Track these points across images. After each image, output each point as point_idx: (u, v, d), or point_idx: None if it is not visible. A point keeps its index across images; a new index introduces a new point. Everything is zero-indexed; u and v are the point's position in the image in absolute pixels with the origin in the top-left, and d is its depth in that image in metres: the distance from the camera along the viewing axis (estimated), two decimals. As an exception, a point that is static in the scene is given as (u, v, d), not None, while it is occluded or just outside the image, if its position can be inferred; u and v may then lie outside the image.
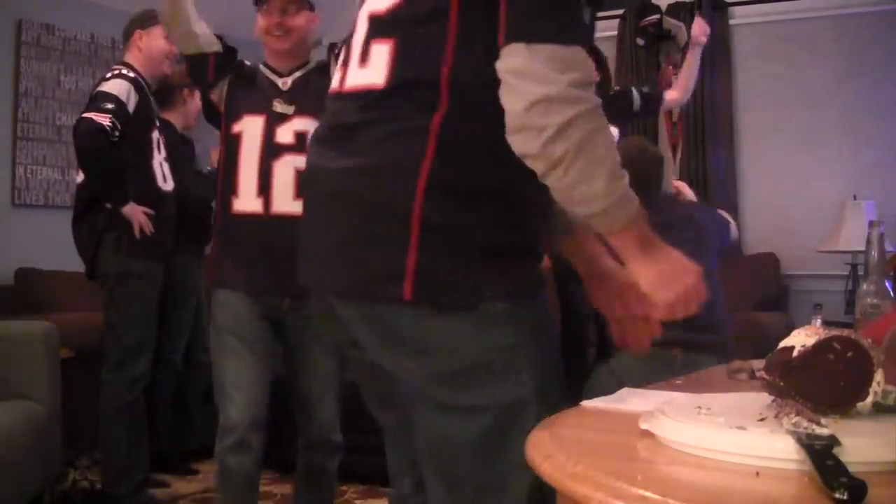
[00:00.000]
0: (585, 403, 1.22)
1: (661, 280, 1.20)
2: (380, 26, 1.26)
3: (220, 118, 2.53)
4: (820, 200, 4.78)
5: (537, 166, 1.15)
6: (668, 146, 5.24)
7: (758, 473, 0.83)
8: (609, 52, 5.27)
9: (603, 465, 0.87)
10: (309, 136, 2.06)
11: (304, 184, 1.36)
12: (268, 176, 2.41)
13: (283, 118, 2.44)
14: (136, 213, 3.20)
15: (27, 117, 4.64)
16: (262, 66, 2.54)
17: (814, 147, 4.90)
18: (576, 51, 1.14)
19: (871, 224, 1.68)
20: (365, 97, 1.24)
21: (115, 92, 3.18)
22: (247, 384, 2.43)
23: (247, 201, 2.43)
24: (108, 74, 3.28)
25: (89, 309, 3.78)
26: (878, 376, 0.98)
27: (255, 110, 2.46)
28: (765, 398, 1.06)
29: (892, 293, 1.62)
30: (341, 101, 1.29)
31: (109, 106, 3.14)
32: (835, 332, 1.00)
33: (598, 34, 5.02)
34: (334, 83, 1.34)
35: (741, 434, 0.89)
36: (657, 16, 5.22)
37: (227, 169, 2.47)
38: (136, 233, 3.20)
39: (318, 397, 2.54)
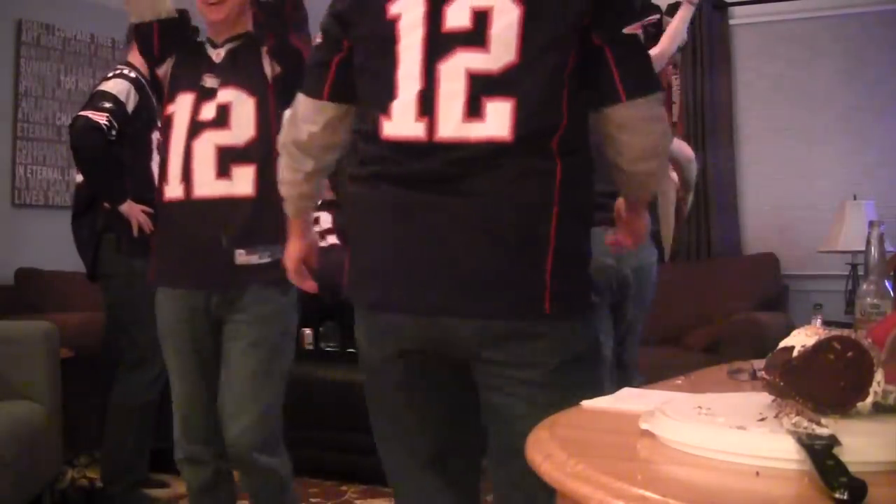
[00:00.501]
0: (585, 403, 1.22)
1: (638, 231, 1.72)
2: (492, 85, 1.40)
3: None
4: (820, 200, 4.79)
5: (650, 179, 1.59)
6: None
7: (758, 473, 0.83)
8: (609, 52, 5.28)
9: (603, 465, 0.87)
10: (232, 109, 2.23)
11: (403, 215, 1.46)
12: (188, 157, 2.21)
13: (211, 94, 2.24)
14: (134, 211, 3.20)
15: (27, 117, 4.64)
16: (206, 41, 2.37)
17: (814, 147, 4.90)
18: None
19: (871, 224, 1.68)
20: (487, 147, 1.40)
21: (114, 91, 3.18)
22: (180, 400, 2.29)
23: (173, 187, 2.24)
24: (110, 74, 3.29)
25: (89, 309, 3.79)
26: (878, 376, 0.98)
27: (187, 88, 2.26)
28: (765, 398, 1.06)
29: (892, 293, 1.62)
30: (439, 149, 1.42)
31: (107, 105, 3.14)
32: (835, 332, 1.00)
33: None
34: (412, 131, 1.43)
35: (741, 434, 0.89)
36: (657, 16, 5.22)
37: (161, 155, 2.32)
38: (135, 231, 3.19)
39: (233, 406, 2.23)
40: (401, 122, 1.45)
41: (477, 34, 1.41)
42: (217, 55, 2.30)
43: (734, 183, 5.06)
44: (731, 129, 5.08)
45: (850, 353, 0.97)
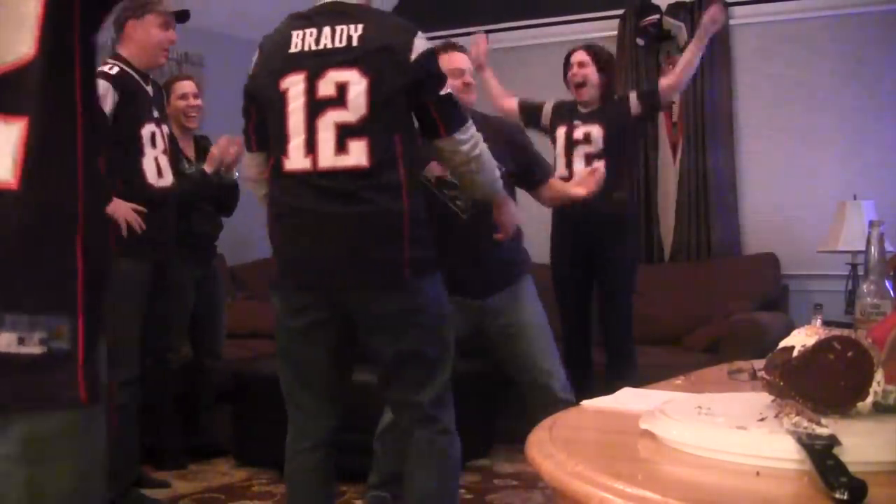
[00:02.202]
0: (585, 403, 1.22)
1: (505, 225, 2.67)
2: (351, 130, 2.13)
3: None
4: (820, 200, 4.78)
5: (475, 178, 2.38)
6: (668, 146, 5.25)
7: (758, 473, 0.83)
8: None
9: (603, 465, 0.87)
10: None
11: (313, 223, 2.18)
12: None
13: None
14: (120, 210, 3.13)
15: (27, 117, 4.63)
16: None
17: (814, 147, 4.90)
18: None
19: (871, 224, 1.68)
20: (353, 172, 2.14)
21: None
22: None
23: None
24: None
25: (89, 309, 3.78)
26: (878, 376, 0.98)
27: None
28: (765, 398, 1.06)
29: (892, 293, 1.62)
30: (321, 175, 2.15)
31: None
32: (835, 332, 1.00)
33: (598, 34, 5.05)
34: (298, 164, 2.17)
35: (741, 434, 0.89)
36: (657, 16, 5.23)
37: None
38: (124, 230, 3.12)
39: None
40: (295, 159, 2.17)
41: (340, 99, 2.12)
42: None
43: (734, 183, 5.06)
44: (731, 129, 5.07)
45: (850, 353, 0.97)
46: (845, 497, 0.73)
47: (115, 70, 3.19)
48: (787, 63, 4.97)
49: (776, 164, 4.99)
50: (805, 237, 4.77)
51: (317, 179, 2.15)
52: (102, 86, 3.12)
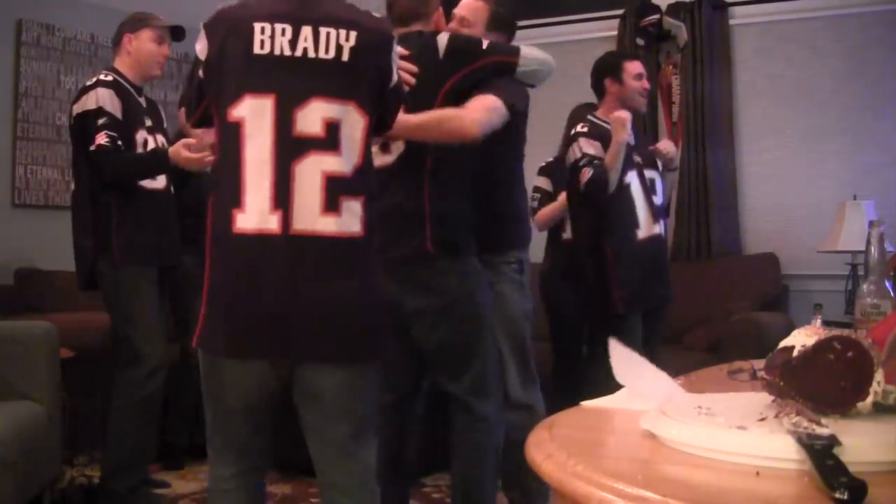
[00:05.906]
0: (585, 403, 1.22)
1: None
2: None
3: None
4: (820, 200, 4.78)
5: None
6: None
7: (758, 473, 0.83)
8: (609, 52, 5.27)
9: (603, 465, 0.87)
10: None
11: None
12: None
13: None
14: (181, 156, 3.17)
15: (27, 117, 4.64)
16: None
17: (814, 147, 4.90)
18: None
19: (871, 224, 1.68)
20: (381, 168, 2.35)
21: (100, 104, 3.20)
22: None
23: None
24: (88, 83, 3.30)
25: (89, 309, 3.79)
26: (878, 376, 0.98)
27: None
28: (765, 398, 1.06)
29: (892, 293, 1.62)
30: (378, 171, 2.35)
31: (101, 121, 3.18)
32: (835, 332, 1.00)
33: (598, 34, 4.99)
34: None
35: (741, 434, 0.89)
36: (657, 16, 5.22)
37: None
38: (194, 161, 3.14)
39: None
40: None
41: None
42: None
43: (734, 183, 5.06)
44: (731, 129, 5.07)
45: (850, 353, 0.97)
46: (845, 497, 0.73)
47: (109, 77, 3.31)
48: (787, 63, 4.97)
49: (776, 164, 4.99)
50: (805, 237, 4.77)
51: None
52: (105, 94, 3.25)
